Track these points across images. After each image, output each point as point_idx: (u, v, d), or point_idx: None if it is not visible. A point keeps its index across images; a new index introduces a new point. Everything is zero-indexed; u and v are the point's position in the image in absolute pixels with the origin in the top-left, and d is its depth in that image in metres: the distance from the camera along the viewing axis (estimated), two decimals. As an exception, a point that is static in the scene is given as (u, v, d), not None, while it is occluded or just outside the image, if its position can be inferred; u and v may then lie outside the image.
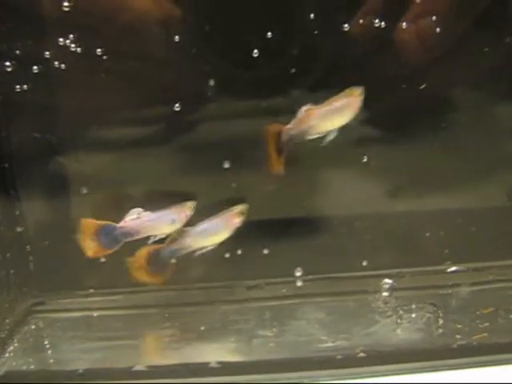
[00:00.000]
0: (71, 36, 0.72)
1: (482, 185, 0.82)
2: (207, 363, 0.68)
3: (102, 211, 0.76)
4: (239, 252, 0.76)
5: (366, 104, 0.71)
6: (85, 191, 0.78)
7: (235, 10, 0.72)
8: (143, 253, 0.74)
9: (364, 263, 0.78)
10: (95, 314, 0.80)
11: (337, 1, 0.73)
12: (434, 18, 0.71)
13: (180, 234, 0.74)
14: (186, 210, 0.74)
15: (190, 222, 0.74)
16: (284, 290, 0.79)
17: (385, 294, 0.78)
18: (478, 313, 0.74)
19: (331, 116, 0.71)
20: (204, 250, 0.74)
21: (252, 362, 0.68)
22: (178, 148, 0.79)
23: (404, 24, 0.71)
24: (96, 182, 0.79)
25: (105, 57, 0.72)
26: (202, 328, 0.75)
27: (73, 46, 0.72)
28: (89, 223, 0.72)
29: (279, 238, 0.79)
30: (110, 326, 0.78)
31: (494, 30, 0.76)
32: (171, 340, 0.75)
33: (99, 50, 0.72)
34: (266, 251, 0.77)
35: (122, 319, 0.79)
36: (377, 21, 0.71)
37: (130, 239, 0.73)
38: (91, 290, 0.81)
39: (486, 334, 0.71)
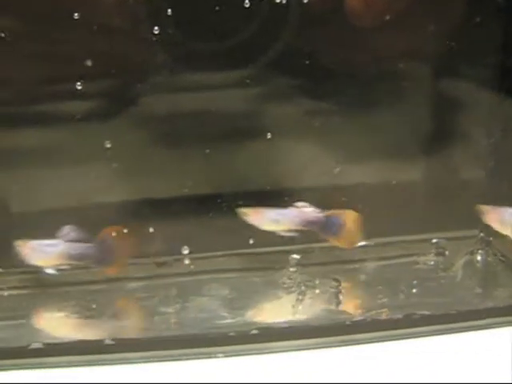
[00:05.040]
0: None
1: (396, 160, 0.82)
2: (101, 340, 0.67)
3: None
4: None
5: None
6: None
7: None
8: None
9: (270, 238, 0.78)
10: (5, 293, 0.80)
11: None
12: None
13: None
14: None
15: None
16: (192, 267, 0.79)
17: (292, 269, 0.78)
18: (380, 287, 0.74)
19: None
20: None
21: (145, 339, 0.68)
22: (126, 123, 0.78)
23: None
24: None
25: (45, 23, 0.71)
26: (106, 305, 0.75)
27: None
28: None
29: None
30: (15, 305, 0.78)
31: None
32: (75, 318, 0.75)
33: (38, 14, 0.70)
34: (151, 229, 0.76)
35: (30, 298, 0.78)
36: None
37: None
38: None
39: (385, 310, 0.71)
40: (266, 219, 0.75)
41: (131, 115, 0.77)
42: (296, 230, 0.75)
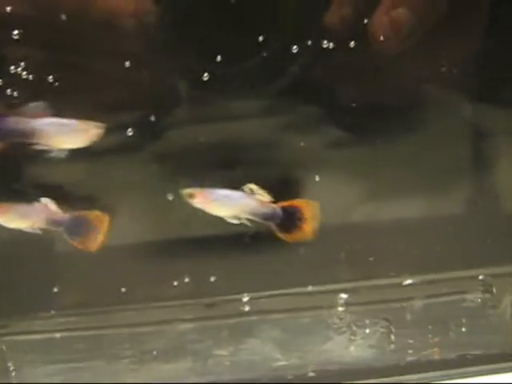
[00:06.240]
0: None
1: (436, 194, 0.83)
2: (160, 386, 0.69)
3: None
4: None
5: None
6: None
7: (217, 7, 0.71)
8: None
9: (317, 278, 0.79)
10: (57, 335, 0.81)
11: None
12: (407, 8, 0.72)
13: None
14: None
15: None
16: (241, 308, 0.80)
17: (340, 309, 0.79)
18: (429, 327, 0.75)
19: None
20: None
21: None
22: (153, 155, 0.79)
23: (377, 16, 0.72)
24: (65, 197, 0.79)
25: (71, 57, 0.72)
26: (160, 348, 0.76)
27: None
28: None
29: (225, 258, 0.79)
30: (72, 348, 0.79)
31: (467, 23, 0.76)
32: (130, 361, 0.76)
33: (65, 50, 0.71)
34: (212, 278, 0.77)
35: (83, 340, 0.80)
36: (351, 12, 0.71)
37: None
38: (53, 312, 0.82)
39: (436, 349, 0.72)
40: (11, 215, 0.72)
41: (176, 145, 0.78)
42: (40, 228, 0.73)
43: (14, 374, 0.78)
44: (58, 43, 0.72)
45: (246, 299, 0.77)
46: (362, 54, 0.74)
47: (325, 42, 0.72)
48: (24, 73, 0.72)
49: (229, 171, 0.77)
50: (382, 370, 0.69)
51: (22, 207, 0.73)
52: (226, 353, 0.74)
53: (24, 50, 0.72)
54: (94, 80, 0.74)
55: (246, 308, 0.77)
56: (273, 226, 0.73)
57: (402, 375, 0.68)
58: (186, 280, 0.75)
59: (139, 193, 0.76)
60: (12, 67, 0.72)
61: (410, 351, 0.72)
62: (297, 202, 0.73)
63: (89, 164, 0.77)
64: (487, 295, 0.80)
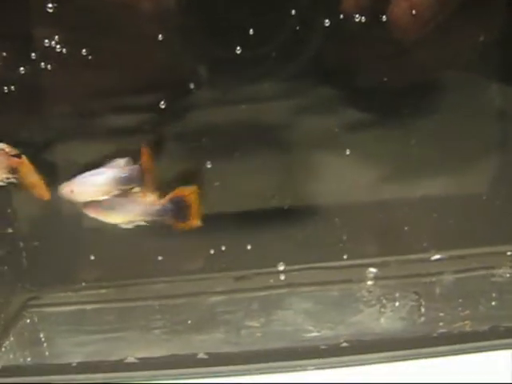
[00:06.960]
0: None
1: (463, 171, 0.83)
2: (195, 354, 0.70)
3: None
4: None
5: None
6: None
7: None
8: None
9: (347, 252, 0.80)
10: (88, 307, 0.82)
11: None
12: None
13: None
14: None
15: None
16: (271, 281, 0.80)
17: (369, 283, 0.80)
18: (460, 300, 0.76)
19: None
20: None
21: (238, 353, 0.70)
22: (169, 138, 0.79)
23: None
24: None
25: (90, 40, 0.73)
26: (192, 319, 0.77)
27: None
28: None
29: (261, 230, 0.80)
30: (103, 319, 0.80)
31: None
32: (162, 332, 0.77)
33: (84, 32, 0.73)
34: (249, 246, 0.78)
35: (114, 312, 0.81)
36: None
37: None
38: (83, 284, 0.83)
39: (467, 322, 0.73)
40: None
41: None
42: None
43: (45, 344, 0.78)
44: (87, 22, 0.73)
45: (281, 268, 0.78)
46: (383, 35, 0.75)
47: (346, 21, 0.73)
48: (58, 46, 0.73)
49: (246, 153, 0.78)
50: (415, 340, 0.69)
51: None
52: (258, 324, 0.75)
53: (57, 24, 0.73)
54: (119, 58, 0.75)
55: (282, 277, 0.78)
56: (167, 220, 0.73)
57: (435, 346, 0.68)
58: (223, 248, 0.76)
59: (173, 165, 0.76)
60: (46, 40, 0.72)
61: (441, 323, 0.72)
62: (180, 191, 0.72)
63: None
64: (515, 270, 0.80)
